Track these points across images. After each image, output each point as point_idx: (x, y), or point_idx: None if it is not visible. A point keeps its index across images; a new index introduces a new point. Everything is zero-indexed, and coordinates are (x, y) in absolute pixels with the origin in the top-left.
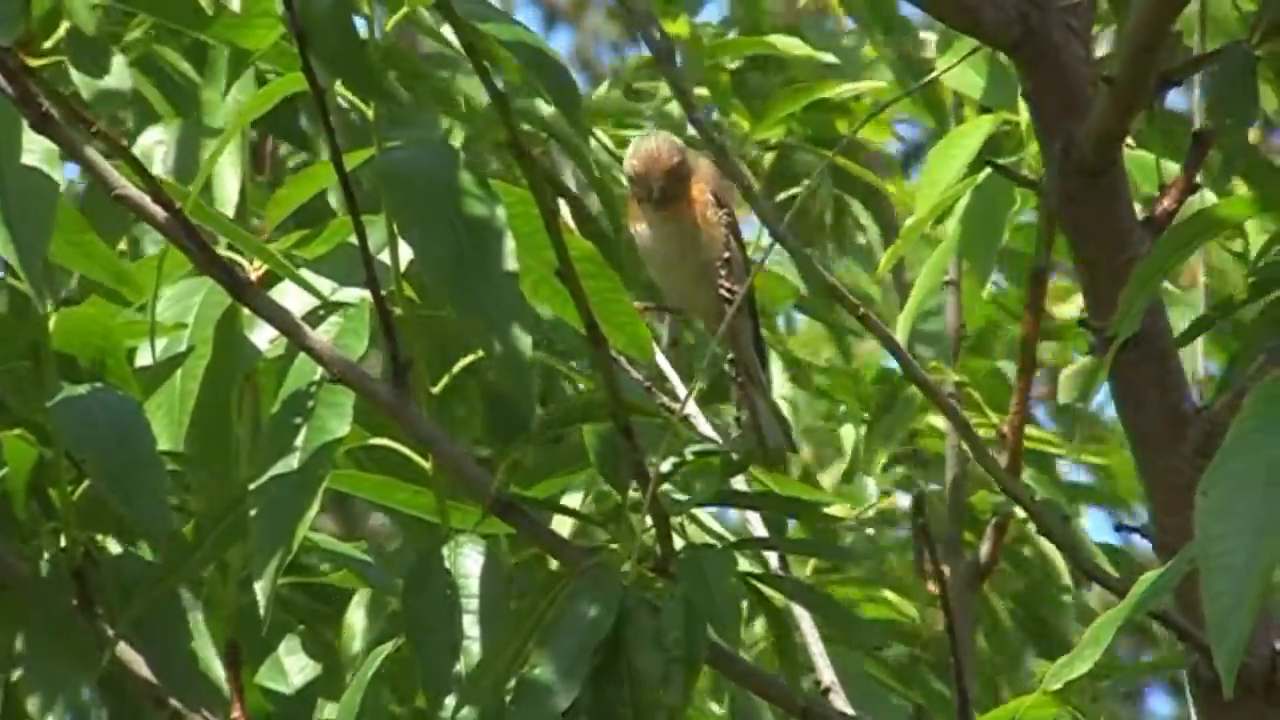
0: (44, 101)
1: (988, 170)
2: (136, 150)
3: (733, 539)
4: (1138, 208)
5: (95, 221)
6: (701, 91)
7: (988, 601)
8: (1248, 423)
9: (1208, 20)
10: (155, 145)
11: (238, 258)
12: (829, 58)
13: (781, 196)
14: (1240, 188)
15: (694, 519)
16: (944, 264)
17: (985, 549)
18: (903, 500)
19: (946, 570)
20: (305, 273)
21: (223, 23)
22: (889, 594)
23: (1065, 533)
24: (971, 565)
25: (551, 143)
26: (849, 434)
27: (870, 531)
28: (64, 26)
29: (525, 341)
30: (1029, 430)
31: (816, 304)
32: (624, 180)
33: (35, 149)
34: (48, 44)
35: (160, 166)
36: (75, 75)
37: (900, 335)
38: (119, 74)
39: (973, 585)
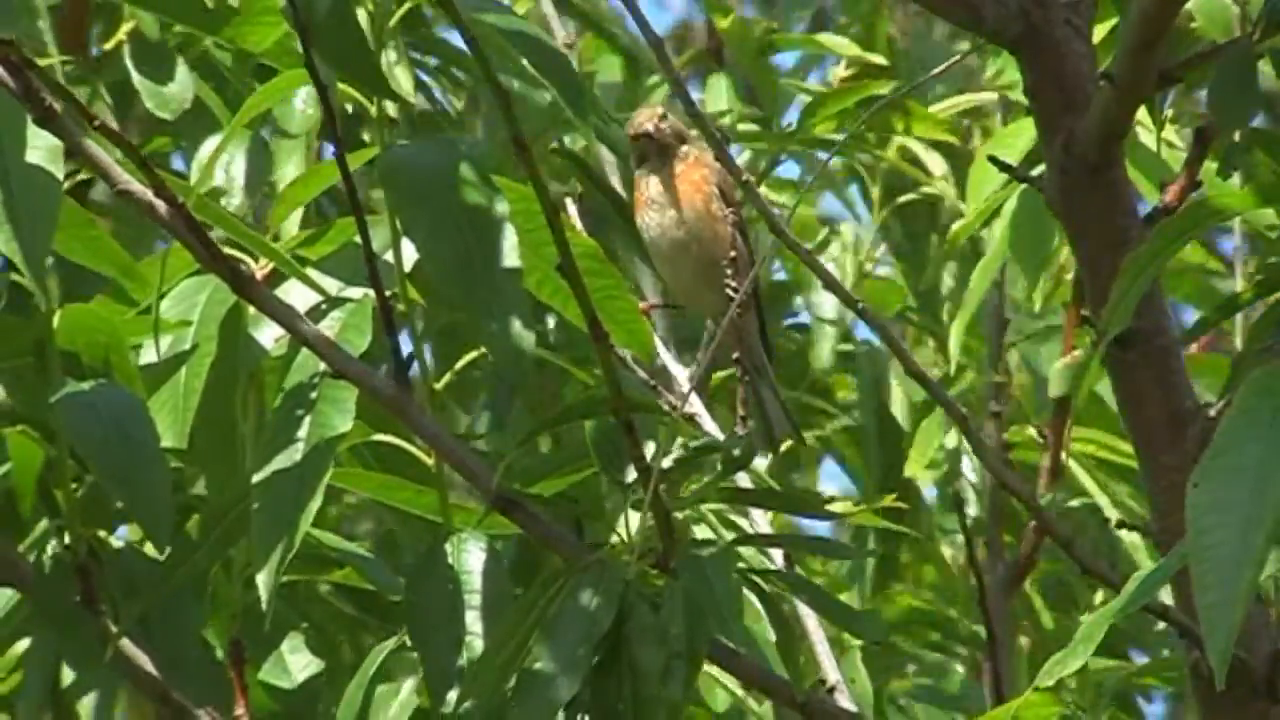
0: (47, 97)
1: (1035, 171)
2: (197, 160)
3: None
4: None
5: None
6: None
7: (1029, 602)
8: (1238, 418)
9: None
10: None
11: (244, 256)
12: (878, 59)
13: (901, 200)
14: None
15: (701, 515)
16: (995, 268)
17: (1024, 550)
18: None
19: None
20: (310, 272)
21: (225, 20)
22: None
23: (1100, 538)
24: (1011, 566)
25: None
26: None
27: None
28: (125, 29)
29: (528, 338)
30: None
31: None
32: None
33: (39, 145)
34: (109, 45)
35: (221, 175)
36: (137, 80)
37: (952, 343)
38: (181, 80)
39: (1011, 586)
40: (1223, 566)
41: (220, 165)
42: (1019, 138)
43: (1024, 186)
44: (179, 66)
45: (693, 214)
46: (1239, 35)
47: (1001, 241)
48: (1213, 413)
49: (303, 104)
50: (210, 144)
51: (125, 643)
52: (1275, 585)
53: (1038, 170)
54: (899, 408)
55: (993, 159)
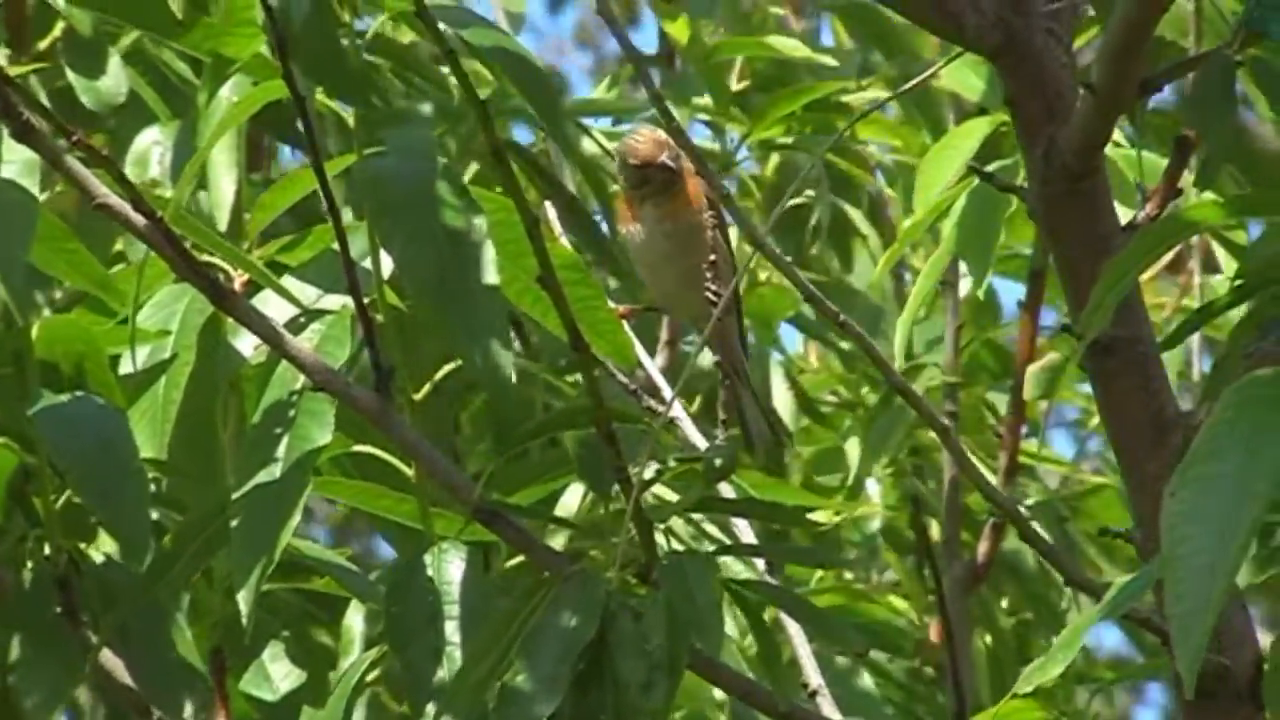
0: (25, 111)
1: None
2: (132, 151)
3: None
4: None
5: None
6: (704, 101)
7: (986, 603)
8: (1217, 426)
9: (1203, 23)
10: (152, 146)
11: (222, 265)
12: (829, 60)
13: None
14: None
15: (690, 520)
16: (942, 266)
17: (982, 550)
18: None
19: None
20: (289, 280)
21: (204, 32)
22: (889, 597)
23: (1057, 536)
24: (969, 566)
25: (550, 142)
26: (853, 448)
27: (874, 533)
28: (60, 27)
29: (506, 354)
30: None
31: (811, 322)
32: (620, 175)
33: (14, 159)
34: (43, 44)
35: (156, 168)
36: (71, 76)
37: (899, 338)
38: (115, 75)
39: (970, 587)
40: (1196, 576)
41: (155, 158)
42: (967, 138)
43: (974, 184)
44: (112, 60)
45: (686, 225)
46: (1220, 43)
47: (949, 240)
48: (1196, 421)
49: (229, 92)
50: (147, 135)
51: (105, 654)
52: None
53: (992, 168)
54: (785, 409)
55: (973, 169)
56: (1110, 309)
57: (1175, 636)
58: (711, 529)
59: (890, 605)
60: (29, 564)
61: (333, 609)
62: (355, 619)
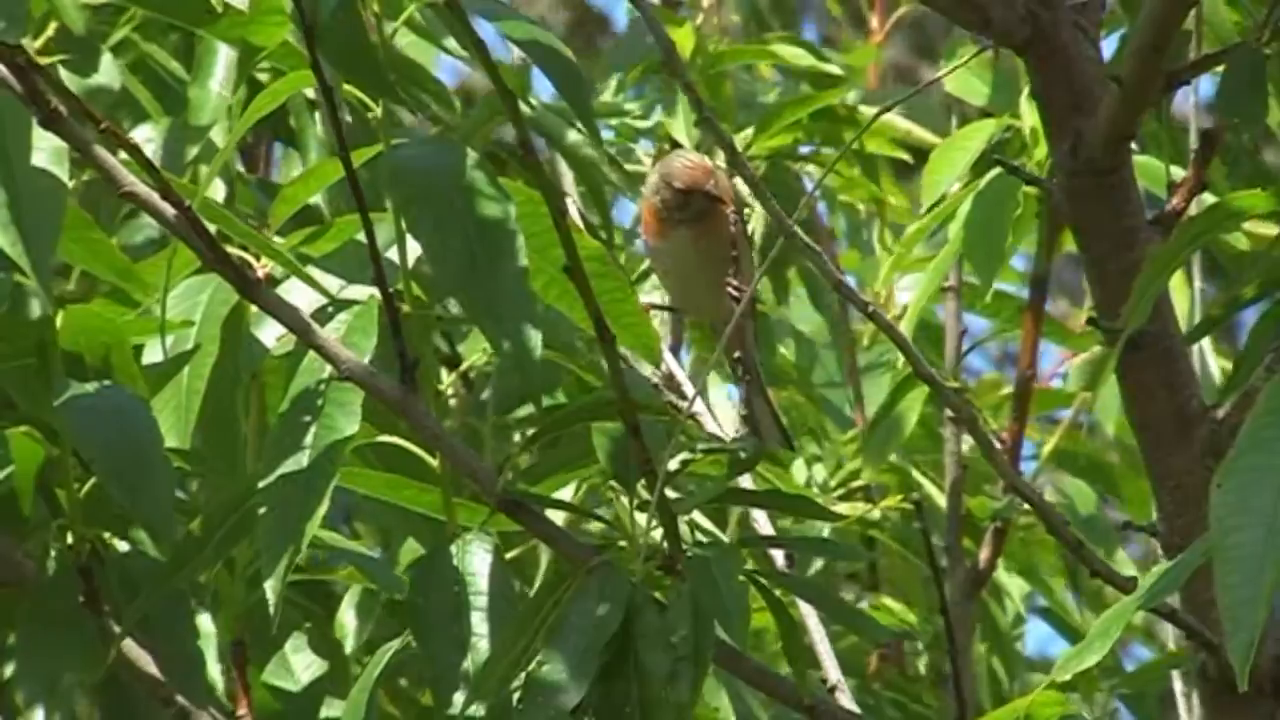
0: (53, 99)
1: (991, 174)
2: None
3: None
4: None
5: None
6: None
7: (987, 608)
8: (1263, 418)
9: (1203, 24)
10: (144, 143)
11: (245, 256)
12: (833, 68)
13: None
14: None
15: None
16: (945, 269)
17: (984, 555)
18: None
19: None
20: (312, 270)
21: (231, 21)
22: (889, 601)
23: (1069, 532)
24: (970, 572)
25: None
26: (799, 469)
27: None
28: (53, 26)
29: (535, 338)
30: None
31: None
32: (656, 194)
33: (43, 147)
34: (37, 44)
35: None
36: (64, 74)
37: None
38: (107, 72)
39: (971, 592)
40: (1246, 566)
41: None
42: (973, 139)
43: (981, 187)
44: (104, 58)
45: (718, 239)
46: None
47: (954, 243)
48: (1220, 414)
49: (219, 88)
50: (140, 133)
51: (128, 644)
52: None
53: (996, 173)
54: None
55: (1000, 161)
56: (1151, 302)
57: (1228, 627)
58: (711, 526)
59: (888, 609)
60: (52, 553)
61: (328, 604)
62: (348, 615)
